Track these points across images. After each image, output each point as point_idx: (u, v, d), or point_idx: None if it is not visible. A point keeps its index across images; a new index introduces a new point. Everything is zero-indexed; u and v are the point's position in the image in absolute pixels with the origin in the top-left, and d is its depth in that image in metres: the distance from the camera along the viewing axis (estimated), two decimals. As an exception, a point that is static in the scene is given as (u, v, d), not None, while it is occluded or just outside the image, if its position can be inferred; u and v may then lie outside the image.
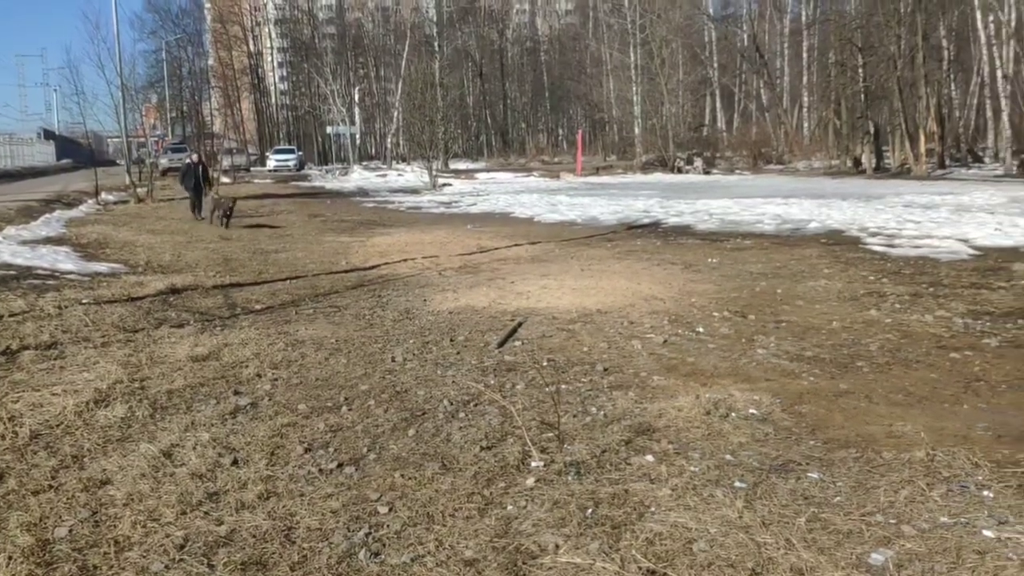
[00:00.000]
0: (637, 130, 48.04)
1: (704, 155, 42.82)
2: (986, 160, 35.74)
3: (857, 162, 36.38)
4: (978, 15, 33.54)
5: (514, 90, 76.23)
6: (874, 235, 13.65)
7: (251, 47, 70.87)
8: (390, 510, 3.60)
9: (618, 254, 12.37)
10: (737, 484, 3.77)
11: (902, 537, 3.24)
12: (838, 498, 3.62)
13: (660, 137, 44.51)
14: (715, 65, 51.45)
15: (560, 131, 75.53)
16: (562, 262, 11.54)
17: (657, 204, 21.14)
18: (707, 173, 39.39)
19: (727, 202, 20.86)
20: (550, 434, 4.41)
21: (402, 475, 3.96)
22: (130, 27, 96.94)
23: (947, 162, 34.97)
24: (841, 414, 4.81)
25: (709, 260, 11.48)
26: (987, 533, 3.25)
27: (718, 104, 53.04)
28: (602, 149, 57.88)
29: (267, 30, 73.74)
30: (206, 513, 3.63)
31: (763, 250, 12.47)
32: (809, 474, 3.89)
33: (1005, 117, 32.30)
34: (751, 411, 4.83)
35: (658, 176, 38.74)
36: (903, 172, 33.54)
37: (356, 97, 61.56)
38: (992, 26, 33.22)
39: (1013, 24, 32.29)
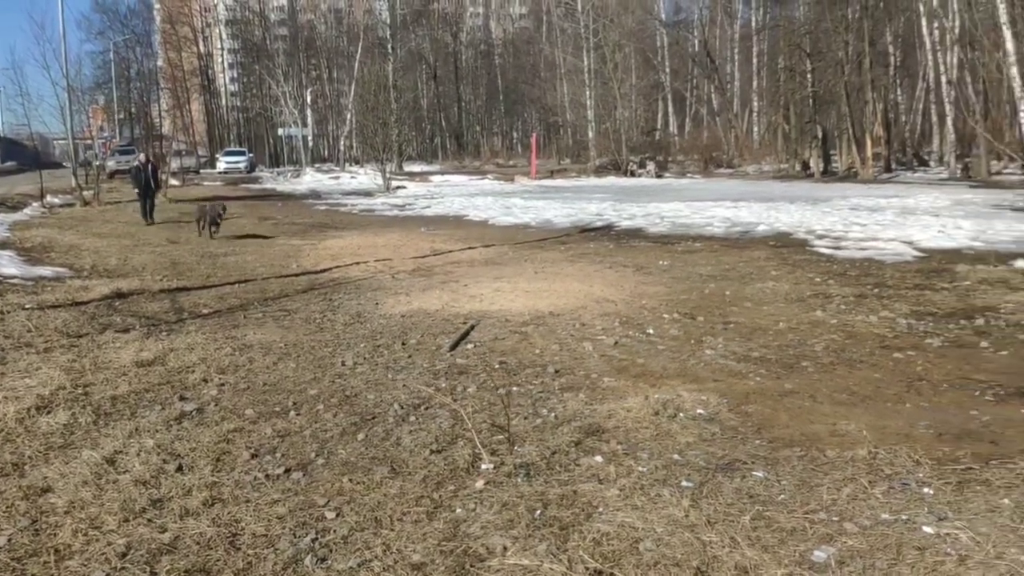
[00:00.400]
0: (591, 134, 48.33)
1: (657, 159, 43.20)
2: (931, 164, 36.63)
3: (806, 166, 37.04)
4: (923, 22, 34.35)
5: (468, 93, 76.15)
6: (821, 237, 13.90)
7: (201, 48, 69.82)
8: (337, 515, 3.57)
9: (571, 257, 12.42)
10: (684, 483, 3.81)
11: (844, 534, 3.30)
12: (782, 496, 3.67)
13: (613, 141, 44.83)
14: (667, 70, 51.97)
15: (515, 134, 75.64)
16: (516, 265, 11.56)
17: (610, 207, 21.29)
18: (659, 177, 39.76)
19: (678, 205, 21.08)
20: (500, 436, 4.41)
21: (350, 480, 3.93)
22: (77, 28, 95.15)
23: (893, 166, 35.78)
24: (786, 413, 4.89)
25: (660, 263, 11.59)
26: (927, 529, 3.32)
27: (670, 108, 53.58)
28: (556, 152, 58.13)
29: (218, 31, 72.71)
30: (149, 520, 3.56)
31: (713, 252, 12.62)
32: (754, 473, 3.94)
33: (949, 122, 33.12)
34: (699, 411, 4.88)
35: (612, 179, 39.02)
36: (850, 176, 34.22)
37: (308, 99, 60.94)
38: (937, 32, 34.05)
39: (957, 31, 33.13)
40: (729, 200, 22.42)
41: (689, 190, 28.91)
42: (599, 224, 17.51)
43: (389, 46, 53.60)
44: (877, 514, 3.47)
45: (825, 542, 3.23)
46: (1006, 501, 3.56)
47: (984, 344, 6.65)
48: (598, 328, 7.34)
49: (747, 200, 22.36)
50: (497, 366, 6.06)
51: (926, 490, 3.70)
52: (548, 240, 14.80)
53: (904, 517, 3.43)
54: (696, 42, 50.86)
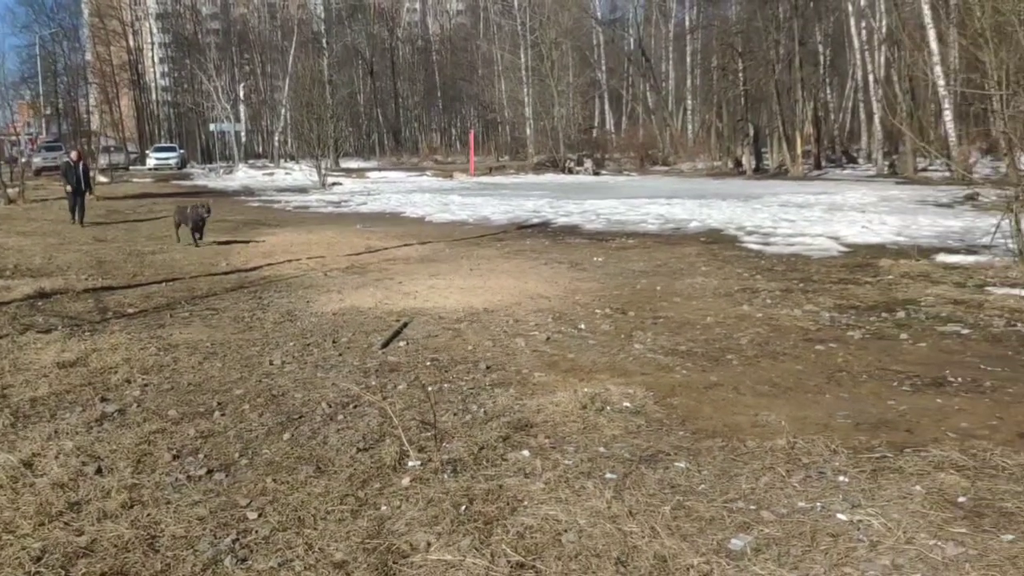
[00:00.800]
0: (529, 131, 48.50)
1: (594, 156, 43.53)
2: (860, 161, 37.63)
3: (738, 163, 37.73)
4: (852, 21, 35.26)
5: (406, 89, 75.64)
6: (750, 234, 14.18)
7: (131, 42, 68.11)
8: (260, 515, 3.53)
9: (507, 254, 12.45)
10: (608, 475, 3.86)
11: (761, 522, 3.38)
12: (703, 486, 3.75)
13: (551, 138, 45.05)
14: (603, 68, 52.39)
15: (453, 131, 75.39)
16: (452, 262, 11.54)
17: (547, 204, 21.38)
18: (597, 174, 40.06)
19: (614, 202, 21.27)
20: (429, 433, 4.41)
21: (274, 480, 3.89)
22: (1, 21, 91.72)
23: (823, 163, 36.65)
24: (710, 405, 4.99)
25: (595, 259, 11.69)
26: (841, 516, 3.42)
27: (607, 106, 54.05)
28: (495, 149, 58.12)
29: (148, 25, 70.99)
30: (66, 524, 3.48)
31: (646, 249, 12.78)
32: (677, 464, 4.01)
33: (877, 120, 34.03)
34: (625, 404, 4.95)
35: (550, 176, 39.16)
36: (781, 173, 34.96)
37: (241, 94, 59.92)
38: (864, 32, 34.98)
39: (884, 30, 34.08)
40: (663, 197, 22.70)
41: (625, 187, 29.20)
42: (536, 221, 17.58)
43: (324, 41, 53.05)
44: (793, 502, 3.57)
45: (742, 530, 3.31)
46: (918, 488, 3.69)
47: (904, 336, 6.86)
48: (531, 324, 7.37)
49: (681, 197, 22.67)
50: (429, 363, 6.05)
51: (841, 478, 3.81)
52: (485, 237, 14.81)
53: (819, 505, 3.53)
54: (631, 41, 51.38)
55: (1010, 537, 3.23)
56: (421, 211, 20.32)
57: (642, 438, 4.42)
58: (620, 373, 5.75)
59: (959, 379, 5.54)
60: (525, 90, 47.68)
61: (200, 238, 13.75)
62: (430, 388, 5.30)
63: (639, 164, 43.12)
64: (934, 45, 28.05)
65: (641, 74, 49.97)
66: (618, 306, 8.20)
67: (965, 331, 7.03)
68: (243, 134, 59.47)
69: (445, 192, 28.10)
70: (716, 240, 13.67)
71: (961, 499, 3.57)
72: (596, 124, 53.17)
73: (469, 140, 47.72)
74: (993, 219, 10.58)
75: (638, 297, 8.77)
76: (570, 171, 41.21)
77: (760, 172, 36.04)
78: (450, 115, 75.38)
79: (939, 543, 3.18)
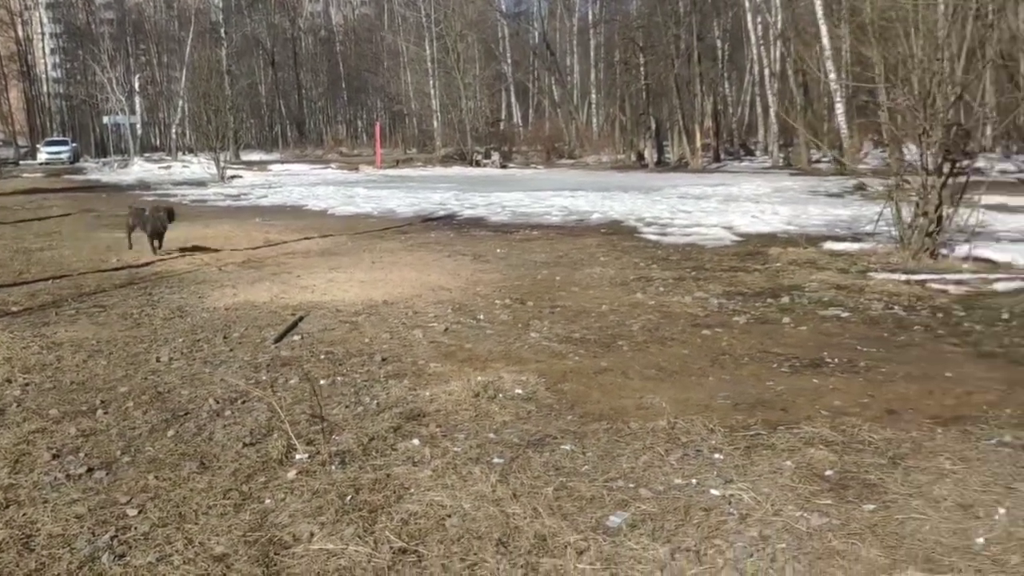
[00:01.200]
0: (436, 123, 48.35)
1: (501, 149, 43.68)
2: (757, 153, 38.84)
3: (641, 156, 38.46)
4: (748, 17, 36.31)
5: (309, 80, 74.38)
6: (649, 225, 14.50)
7: (20, 32, 64.94)
8: (140, 512, 3.46)
9: (410, 246, 12.41)
10: (495, 460, 3.92)
11: (639, 499, 3.50)
12: (586, 467, 3.85)
13: (459, 131, 45.01)
14: (509, 61, 52.60)
15: (359, 123, 74.51)
16: (353, 255, 11.44)
17: (453, 197, 21.38)
18: (504, 167, 40.23)
19: (520, 195, 21.42)
20: (318, 427, 4.39)
21: (156, 476, 3.82)
22: None
23: (722, 156, 37.70)
24: (599, 390, 5.11)
25: (497, 251, 11.77)
26: (714, 492, 3.57)
27: (513, 99, 54.30)
28: (402, 142, 57.75)
29: (38, 15, 67.79)
30: (-64, 528, 3.35)
31: (548, 240, 12.93)
32: (563, 446, 4.11)
33: (772, 113, 35.19)
34: (517, 391, 5.02)
35: (457, 169, 39.14)
36: (682, 166, 35.81)
37: (137, 86, 57.79)
38: (760, 27, 36.09)
39: (779, 26, 35.23)
40: (568, 190, 22.97)
41: (532, 180, 29.42)
42: (442, 214, 17.57)
43: (222, 31, 51.62)
44: (670, 479, 3.70)
45: (620, 507, 3.42)
46: (788, 463, 3.87)
47: (786, 320, 7.15)
48: (430, 316, 7.39)
49: (585, 190, 22.98)
50: (323, 357, 6.01)
51: (717, 456, 3.97)
52: (389, 230, 14.72)
53: (694, 481, 3.68)
54: (536, 34, 51.73)
55: (871, 507, 3.43)
56: (324, 204, 20.05)
57: (531, 423, 4.50)
58: (515, 361, 5.83)
59: (836, 360, 5.82)
60: (431, 82, 47.50)
61: (159, 246, 11.69)
62: (323, 382, 5.28)
63: (546, 157, 43.48)
64: (826, 40, 29.17)
65: (546, 68, 50.38)
66: (518, 296, 8.29)
67: (845, 314, 7.38)
68: (139, 127, 57.39)
69: (350, 185, 27.78)
70: (616, 231, 13.93)
71: (828, 472, 3.77)
72: (503, 117, 53.32)
73: (375, 132, 47.32)
74: (878, 207, 11.09)
75: (538, 287, 8.88)
76: (477, 164, 41.27)
77: (662, 165, 36.82)
78: (355, 107, 74.47)
79: (805, 514, 3.35)
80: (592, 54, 48.10)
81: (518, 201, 19.60)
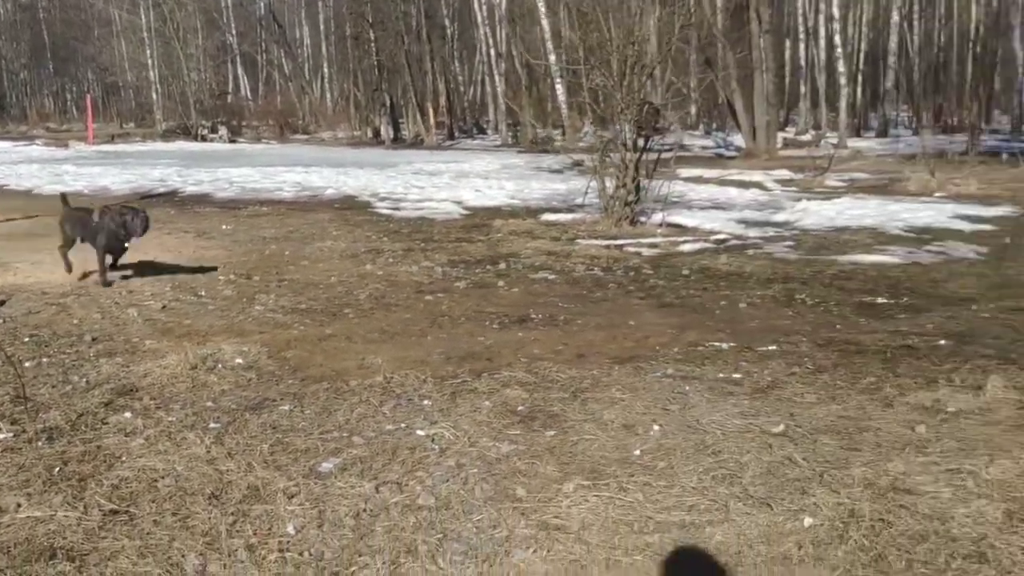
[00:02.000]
0: (156, 96, 45.35)
1: (230, 124, 41.89)
2: (489, 132, 40.25)
3: (377, 133, 38.56)
4: (474, -3, 37.43)
5: (9, 50, 66.73)
6: (383, 200, 14.77)
7: None
8: None
9: (127, 225, 11.77)
10: (212, 425, 4.02)
11: (351, 446, 3.78)
12: (303, 424, 4.06)
13: (181, 104, 42.61)
14: (234, 32, 50.35)
15: (68, 96, 68.01)
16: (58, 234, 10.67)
17: (176, 173, 20.34)
18: (233, 142, 38.65)
19: (249, 170, 20.81)
20: (23, 407, 4.23)
21: None
22: None
23: (456, 133, 38.71)
24: (322, 355, 5.31)
25: (224, 227, 11.49)
26: (420, 432, 3.93)
27: (241, 72, 52.11)
28: (118, 116, 53.60)
29: None
30: None
31: (279, 216, 12.80)
32: (281, 407, 4.29)
33: (500, 92, 36.61)
34: (238, 361, 5.09)
35: (180, 144, 37.00)
36: (417, 143, 36.34)
37: None
38: (485, 8, 37.30)
39: (504, 7, 36.59)
40: (302, 166, 22.62)
41: (263, 155, 28.59)
42: (162, 190, 16.72)
43: None
44: (382, 427, 4.01)
45: (333, 455, 3.68)
46: (487, 403, 4.32)
47: (501, 284, 7.73)
48: (147, 294, 7.17)
49: (319, 165, 22.75)
50: (27, 339, 5.70)
51: (425, 402, 4.33)
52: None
53: (403, 426, 4.01)
54: (262, 4, 49.91)
55: (552, 432, 3.94)
56: (29, 183, 18.30)
57: (251, 390, 4.62)
58: (237, 334, 5.86)
59: (540, 316, 6.43)
60: (148, 52, 44.45)
61: (114, 266, 7.85)
62: (27, 364, 5.05)
63: (279, 132, 42.30)
64: (545, 23, 30.80)
65: (274, 40, 48.83)
66: (243, 272, 8.23)
67: (552, 277, 8.10)
68: None
69: (59, 162, 25.43)
70: (350, 206, 14.05)
71: (520, 408, 4.25)
72: (231, 90, 51.06)
73: (86, 106, 43.56)
74: (589, 181, 12.07)
75: (266, 262, 8.85)
76: (203, 139, 39.29)
77: (398, 142, 37.15)
78: (63, 79, 67.80)
79: (497, 443, 3.79)
80: (322, 27, 47.29)
81: (247, 177, 19.07)
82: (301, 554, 2.90)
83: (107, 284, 7.48)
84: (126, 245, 7.65)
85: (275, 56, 50.92)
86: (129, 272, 7.93)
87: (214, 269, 8.19)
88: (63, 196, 8.55)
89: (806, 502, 3.16)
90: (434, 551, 2.88)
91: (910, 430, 3.86)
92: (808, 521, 3.03)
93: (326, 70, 48.00)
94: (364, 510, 3.16)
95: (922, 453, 3.58)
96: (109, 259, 7.72)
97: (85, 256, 7.80)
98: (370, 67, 38.76)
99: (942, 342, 5.43)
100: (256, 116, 45.92)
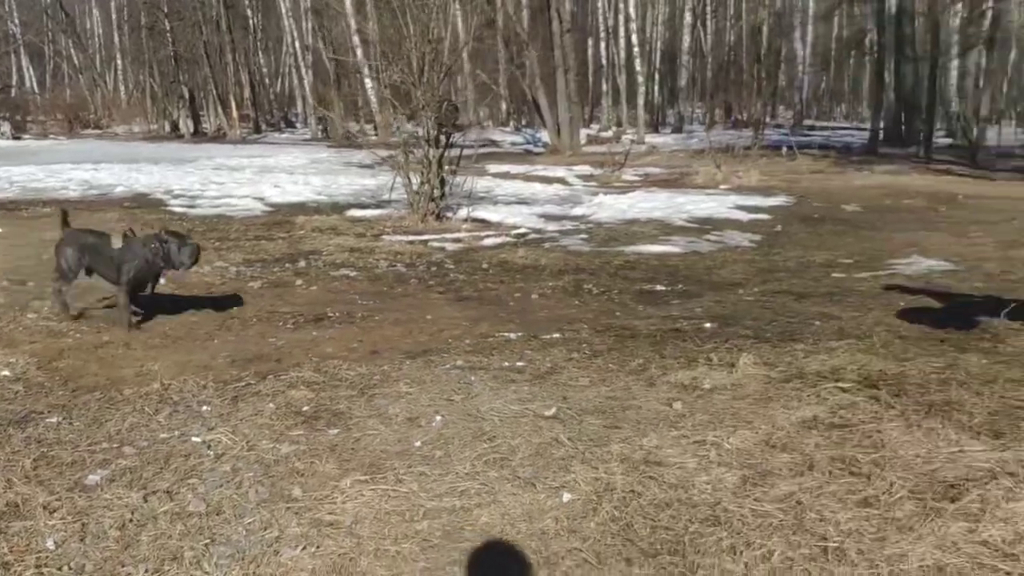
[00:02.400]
0: (-78, 88, 41.10)
1: (13, 119, 38.63)
2: (298, 125, 39.35)
3: (175, 126, 36.83)
4: (273, -11, 36.40)
5: None
6: (177, 197, 14.18)
7: None
8: None
9: None
10: (-33, 444, 3.78)
11: (121, 457, 3.66)
12: (71, 436, 3.89)
13: (-47, 97, 38.82)
14: (17, 21, 46.45)
15: None
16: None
17: (-56, 173, 18.61)
18: (17, 138, 35.69)
19: (32, 168, 19.35)
20: None
21: None
22: None
23: (263, 127, 37.58)
24: (98, 363, 5.08)
25: (-1, 231, 10.69)
26: (195, 439, 3.86)
27: (25, 63, 48.19)
28: None
29: None
30: None
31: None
32: (48, 420, 4.08)
33: (307, 85, 35.84)
34: (4, 373, 4.80)
35: (-47, 141, 33.85)
36: (220, 136, 35.01)
37: None
38: (289, 1, 36.39)
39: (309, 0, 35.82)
40: (91, 162, 21.28)
41: (49, 152, 26.61)
42: (-73, 192, 15.26)
43: None
44: (156, 435, 3.91)
45: (101, 467, 3.55)
46: (270, 405, 4.29)
47: (299, 282, 7.66)
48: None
49: (111, 162, 21.50)
50: None
51: (204, 408, 4.26)
52: None
53: (178, 433, 3.93)
54: (46, -8, 46.36)
55: (336, 431, 3.98)
56: None
57: (17, 403, 4.37)
58: (6, 344, 5.50)
59: (337, 314, 6.43)
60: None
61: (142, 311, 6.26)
62: None
63: (68, 127, 39.48)
64: (351, 19, 30.41)
65: (62, 29, 45.47)
66: (19, 278, 7.70)
67: (353, 274, 8.10)
68: None
69: None
70: (141, 204, 13.39)
71: (305, 408, 4.26)
72: (14, 83, 47.07)
73: None
74: (400, 177, 12.09)
75: (44, 268, 8.27)
76: (-18, 136, 36.07)
77: (199, 136, 35.64)
78: None
79: (277, 445, 3.79)
80: (114, 16, 44.49)
81: (30, 175, 17.74)
82: (60, 568, 2.81)
83: (137, 326, 5.88)
84: (162, 280, 6.16)
85: (63, 47, 47.43)
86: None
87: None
88: (63, 212, 6.56)
89: (567, 479, 3.39)
90: (200, 556, 2.86)
91: (668, 407, 4.19)
92: (567, 497, 3.25)
93: (120, 61, 45.19)
94: (130, 520, 3.08)
95: (675, 428, 3.90)
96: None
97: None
98: (167, 58, 36.88)
99: (707, 325, 5.90)
100: (43, 110, 42.66)
